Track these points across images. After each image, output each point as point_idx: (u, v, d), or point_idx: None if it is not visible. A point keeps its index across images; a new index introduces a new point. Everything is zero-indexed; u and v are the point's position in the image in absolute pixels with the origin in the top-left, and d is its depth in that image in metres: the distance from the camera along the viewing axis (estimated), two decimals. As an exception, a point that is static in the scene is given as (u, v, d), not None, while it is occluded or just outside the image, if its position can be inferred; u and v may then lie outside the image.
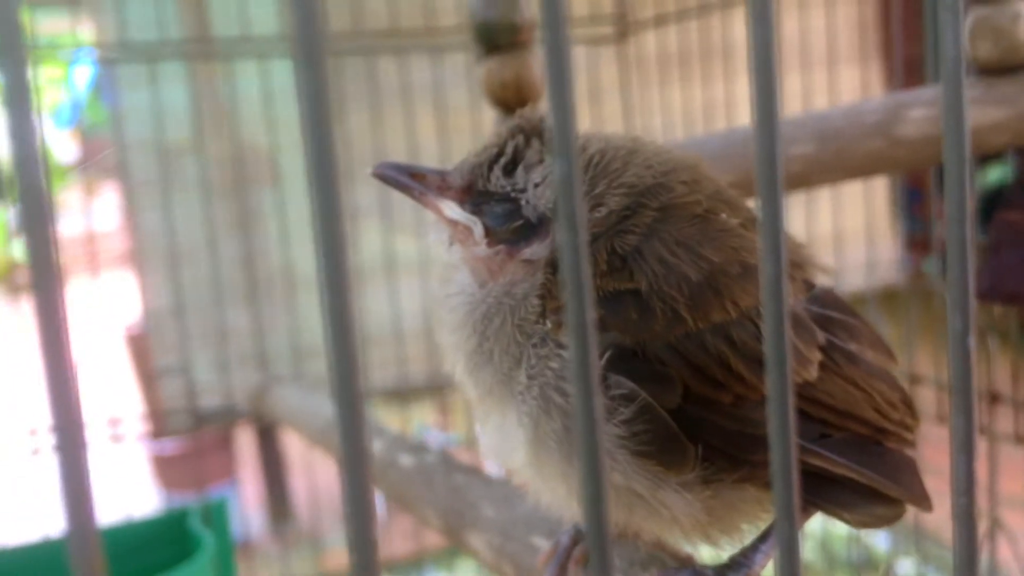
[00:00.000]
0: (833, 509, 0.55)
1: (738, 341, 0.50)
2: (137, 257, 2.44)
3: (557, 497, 0.54)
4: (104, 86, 2.91)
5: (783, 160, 0.29)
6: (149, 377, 2.53)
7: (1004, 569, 1.42)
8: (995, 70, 0.82)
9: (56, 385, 0.24)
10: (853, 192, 2.11)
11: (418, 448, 0.93)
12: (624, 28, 1.89)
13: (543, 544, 0.66)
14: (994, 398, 1.15)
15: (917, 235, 2.50)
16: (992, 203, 1.00)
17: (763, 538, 0.54)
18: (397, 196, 0.56)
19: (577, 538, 0.61)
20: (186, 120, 2.24)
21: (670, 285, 0.49)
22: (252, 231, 2.24)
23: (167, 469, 2.71)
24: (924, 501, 0.57)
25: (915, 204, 2.72)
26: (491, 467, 1.00)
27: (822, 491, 0.54)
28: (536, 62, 1.00)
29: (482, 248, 0.54)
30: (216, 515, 1.17)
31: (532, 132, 0.54)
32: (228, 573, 1.18)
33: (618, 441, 0.49)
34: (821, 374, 0.53)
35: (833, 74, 1.98)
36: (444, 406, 2.78)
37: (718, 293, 0.50)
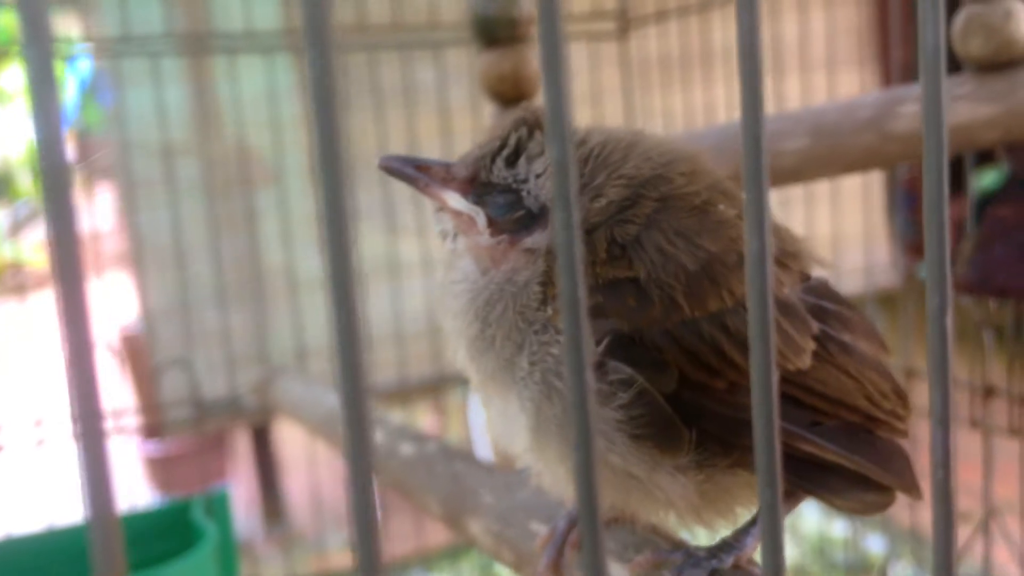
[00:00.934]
0: (824, 495, 0.56)
1: (733, 329, 0.51)
2: (134, 257, 2.44)
3: (557, 479, 0.55)
4: (100, 85, 2.92)
5: (768, 147, 0.30)
6: (145, 377, 2.54)
7: (1002, 571, 1.43)
8: (987, 67, 0.83)
9: (78, 370, 0.25)
10: (851, 196, 2.13)
11: (419, 437, 0.95)
12: (625, 24, 1.91)
13: (541, 529, 0.67)
14: (989, 392, 1.16)
15: (912, 239, 2.51)
16: (985, 204, 1.02)
17: (754, 521, 0.55)
18: (399, 197, 0.57)
19: (574, 523, 0.62)
20: (184, 119, 2.25)
21: (668, 274, 0.51)
22: (250, 231, 2.25)
23: (161, 470, 2.72)
24: (914, 489, 0.58)
25: (910, 209, 2.74)
26: (482, 453, 1.01)
27: (814, 477, 0.55)
28: (534, 56, 1.02)
29: (485, 237, 0.55)
30: (218, 507, 1.19)
31: (534, 124, 0.55)
32: (230, 563, 1.19)
33: (616, 425, 0.51)
34: (814, 363, 0.55)
35: (832, 77, 1.99)
36: (440, 407, 2.79)
37: (714, 282, 0.51)
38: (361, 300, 0.27)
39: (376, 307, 1.98)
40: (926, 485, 0.58)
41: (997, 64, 0.83)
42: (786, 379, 0.53)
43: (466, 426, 2.74)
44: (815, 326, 0.55)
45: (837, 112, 0.86)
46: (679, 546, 0.58)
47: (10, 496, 2.50)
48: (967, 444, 1.38)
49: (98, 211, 2.71)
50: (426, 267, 1.86)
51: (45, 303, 2.46)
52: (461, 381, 2.27)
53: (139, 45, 1.95)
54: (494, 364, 0.54)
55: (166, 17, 2.16)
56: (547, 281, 0.53)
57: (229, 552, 1.17)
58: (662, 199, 0.53)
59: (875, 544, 2.12)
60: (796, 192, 1.94)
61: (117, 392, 2.48)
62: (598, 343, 0.50)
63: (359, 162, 2.03)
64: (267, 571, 2.44)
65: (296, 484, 2.77)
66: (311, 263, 2.16)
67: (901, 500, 0.59)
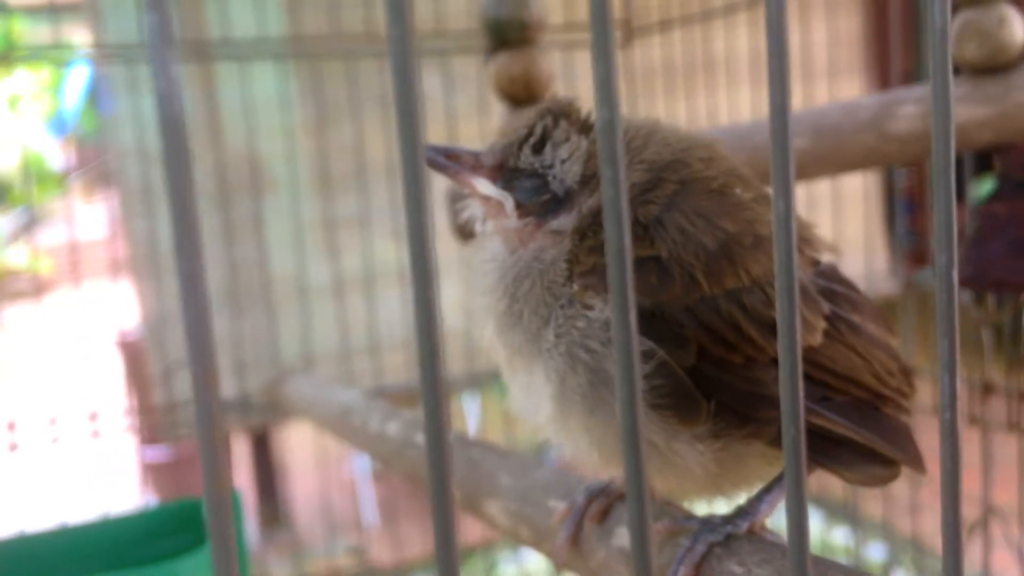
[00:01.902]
0: (834, 467, 0.59)
1: (749, 307, 0.54)
2: (134, 264, 2.45)
3: (580, 449, 0.58)
4: (100, 93, 2.94)
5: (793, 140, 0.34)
6: (144, 382, 2.55)
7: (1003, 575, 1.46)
8: (981, 70, 0.87)
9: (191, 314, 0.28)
10: (852, 203, 2.17)
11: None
12: (629, 33, 1.95)
13: (559, 506, 0.69)
14: (988, 388, 1.19)
15: (911, 247, 2.55)
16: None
17: (768, 489, 0.58)
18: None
19: (593, 497, 0.65)
20: (188, 125, 2.27)
21: (688, 253, 0.54)
22: (256, 237, 2.27)
23: (159, 477, 2.72)
24: (918, 463, 0.61)
25: (910, 216, 2.77)
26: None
27: (824, 450, 0.58)
28: (543, 58, 1.05)
29: (513, 220, 0.58)
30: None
31: (560, 113, 0.58)
32: (241, 560, 1.21)
33: None
34: (825, 341, 0.58)
35: (833, 86, 2.03)
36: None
37: (732, 262, 0.54)
38: (435, 297, 0.30)
39: (386, 312, 2.01)
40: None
41: (991, 68, 0.86)
42: None
43: (466, 429, 2.76)
44: (826, 306, 0.59)
45: (838, 113, 0.89)
46: (694, 515, 0.60)
47: (24, 494, 2.51)
48: (966, 445, 1.41)
49: (96, 218, 2.74)
50: (443, 271, 1.88)
51: (56, 305, 2.49)
52: (462, 386, 2.30)
53: (142, 52, 1.98)
54: (521, 337, 0.57)
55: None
56: (573, 259, 0.56)
57: (240, 550, 1.19)
58: (682, 182, 0.56)
59: (876, 552, 2.14)
60: (798, 197, 1.97)
61: (113, 398, 2.49)
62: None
63: (370, 167, 2.07)
64: (265, 576, 2.45)
65: (298, 490, 2.78)
66: (318, 269, 2.19)
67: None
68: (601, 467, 0.59)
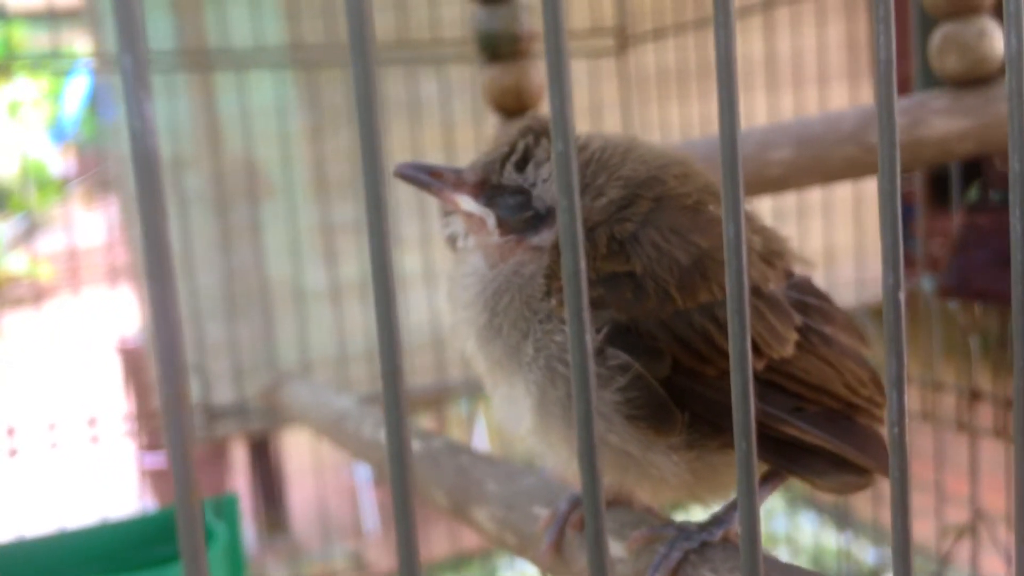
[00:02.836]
0: (806, 475, 0.60)
1: (722, 320, 0.55)
2: (134, 270, 2.46)
3: (560, 459, 0.60)
4: (100, 100, 2.95)
5: (752, 154, 0.36)
6: (143, 388, 2.56)
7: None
8: (962, 82, 0.88)
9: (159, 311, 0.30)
10: (843, 210, 2.18)
11: (425, 435, 0.99)
12: (624, 40, 1.97)
13: (543, 513, 0.71)
14: (975, 395, 1.20)
15: (905, 253, 2.56)
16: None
17: (743, 498, 0.60)
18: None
19: (575, 504, 0.66)
20: (189, 133, 2.29)
21: (662, 268, 0.55)
22: (254, 243, 2.28)
23: (158, 482, 2.73)
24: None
25: (904, 223, 2.79)
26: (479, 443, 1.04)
27: (797, 459, 0.59)
28: (535, 70, 1.07)
29: (495, 237, 0.60)
30: (227, 509, 1.22)
31: (541, 132, 0.60)
32: (238, 563, 1.22)
33: (614, 406, 0.55)
34: (797, 352, 0.59)
35: (824, 91, 2.05)
36: (441, 417, 2.82)
37: (705, 276, 0.56)
38: (399, 308, 0.31)
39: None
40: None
41: (971, 80, 0.88)
42: (771, 367, 0.58)
43: (467, 434, 2.77)
44: (798, 318, 0.60)
45: (821, 124, 0.91)
46: (672, 523, 0.62)
47: (24, 498, 2.53)
48: (955, 451, 1.42)
49: (97, 225, 2.75)
50: (429, 279, 1.91)
51: (56, 311, 2.50)
52: (463, 392, 2.31)
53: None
54: (501, 350, 0.58)
55: (171, 32, 2.21)
56: (551, 274, 0.57)
57: (237, 553, 1.21)
58: (657, 199, 0.58)
59: (868, 555, 2.16)
60: (789, 206, 1.99)
61: (113, 404, 2.51)
62: (598, 332, 0.55)
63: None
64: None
65: (297, 495, 2.80)
66: (315, 275, 2.20)
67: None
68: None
